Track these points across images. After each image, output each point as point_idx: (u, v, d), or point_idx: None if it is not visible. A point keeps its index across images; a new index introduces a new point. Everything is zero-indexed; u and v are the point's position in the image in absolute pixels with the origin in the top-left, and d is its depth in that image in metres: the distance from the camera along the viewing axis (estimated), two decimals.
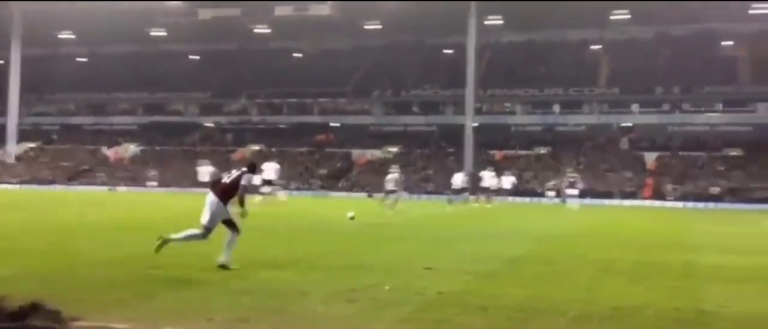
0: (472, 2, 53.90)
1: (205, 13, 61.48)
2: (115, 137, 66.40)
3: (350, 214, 17.84)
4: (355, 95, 65.83)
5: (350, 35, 65.64)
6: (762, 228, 23.11)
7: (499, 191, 38.21)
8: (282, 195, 33.02)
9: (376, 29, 62.51)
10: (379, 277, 9.37)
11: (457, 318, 7.10)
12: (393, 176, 26.43)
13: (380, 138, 62.38)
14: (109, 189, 51.18)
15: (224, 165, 37.03)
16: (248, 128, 65.94)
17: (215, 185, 10.58)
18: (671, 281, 9.92)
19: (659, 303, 8.11)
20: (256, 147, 61.17)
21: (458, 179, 36.53)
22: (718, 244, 16.69)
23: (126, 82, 67.14)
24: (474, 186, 38.67)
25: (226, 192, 10.27)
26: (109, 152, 63.72)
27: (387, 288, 8.61)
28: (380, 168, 51.25)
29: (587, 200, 40.88)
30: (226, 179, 10.51)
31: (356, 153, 59.47)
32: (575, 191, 38.70)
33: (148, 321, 6.62)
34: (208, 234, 10.20)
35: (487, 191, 36.48)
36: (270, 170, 30.75)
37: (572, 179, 40.01)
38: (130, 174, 57.73)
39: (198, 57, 70.75)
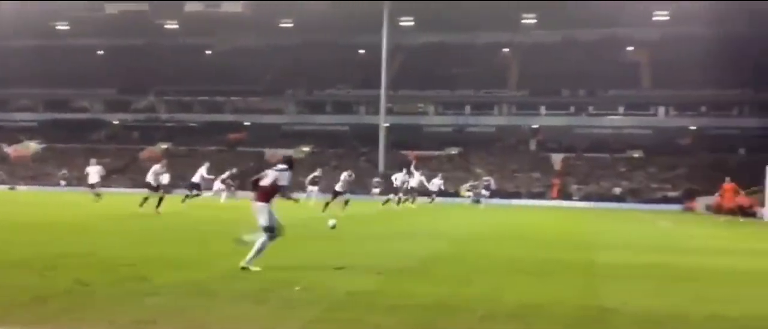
0: (386, 2, 54.08)
1: (112, 7, 59.73)
2: (15, 134, 63.68)
3: (331, 222, 15.17)
4: (267, 94, 65.28)
5: (263, 33, 65.01)
6: (658, 228, 24.04)
7: (418, 191, 38.54)
8: (222, 196, 33.94)
9: (289, 28, 62.10)
10: (290, 277, 9.27)
11: (367, 317, 7.10)
12: (342, 176, 26.05)
13: (293, 137, 62.09)
14: (10, 188, 49.03)
15: (134, 165, 36.12)
16: (157, 126, 64.46)
17: (256, 190, 10.28)
18: (576, 279, 10.20)
19: (564, 301, 8.31)
20: (165, 145, 59.87)
21: (399, 179, 36.30)
22: (619, 243, 17.32)
23: (28, 77, 64.44)
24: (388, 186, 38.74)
25: (267, 194, 10.16)
26: (9, 150, 61.07)
27: (297, 288, 8.53)
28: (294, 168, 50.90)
29: (496, 201, 41.82)
30: (264, 181, 10.27)
31: (269, 152, 59.01)
32: (487, 193, 40.23)
33: (45, 325, 6.36)
34: (273, 234, 10.09)
35: (413, 191, 36.51)
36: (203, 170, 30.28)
37: (486, 182, 41.35)
38: (32, 173, 55.57)
39: (104, 52, 68.64)
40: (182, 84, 64.86)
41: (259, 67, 64.49)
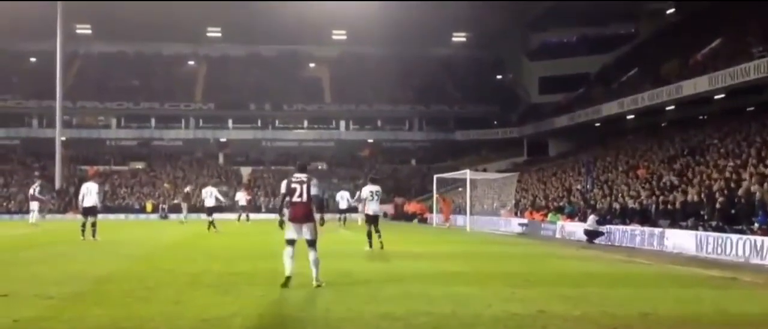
0: (59, 2, 50.03)
1: None
2: None
3: None
4: None
5: None
6: (340, 236, 25.26)
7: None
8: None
9: None
10: None
11: None
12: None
13: None
14: None
15: None
16: None
17: (303, 210, 10.54)
18: (257, 289, 10.30)
19: (245, 311, 8.36)
20: None
21: (348, 198, 32.80)
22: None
23: None
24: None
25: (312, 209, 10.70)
26: None
27: None
28: None
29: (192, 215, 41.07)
30: (303, 198, 10.49)
31: None
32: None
33: None
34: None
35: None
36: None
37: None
38: None
39: None
40: None
41: None
